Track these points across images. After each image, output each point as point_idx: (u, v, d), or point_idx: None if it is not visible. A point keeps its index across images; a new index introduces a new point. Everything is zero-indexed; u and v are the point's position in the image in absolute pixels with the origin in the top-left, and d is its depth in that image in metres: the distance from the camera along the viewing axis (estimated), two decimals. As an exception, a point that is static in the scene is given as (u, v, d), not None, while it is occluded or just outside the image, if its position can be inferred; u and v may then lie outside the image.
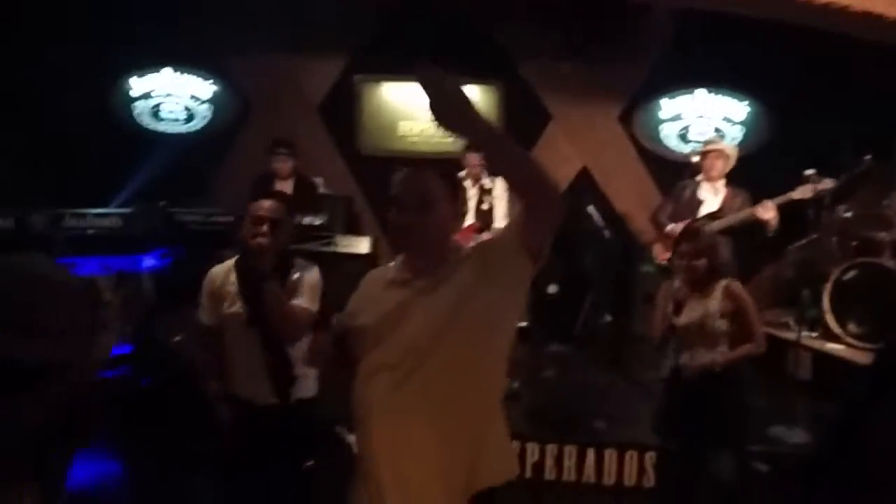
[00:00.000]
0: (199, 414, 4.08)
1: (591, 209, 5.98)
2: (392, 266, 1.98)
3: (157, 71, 6.95)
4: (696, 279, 3.25)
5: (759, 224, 4.74)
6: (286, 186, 5.07)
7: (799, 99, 6.28)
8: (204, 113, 7.03)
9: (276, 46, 6.82)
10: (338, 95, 7.09)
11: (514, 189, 1.78)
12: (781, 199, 4.73)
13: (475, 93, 6.95)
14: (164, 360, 4.36)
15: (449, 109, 1.60)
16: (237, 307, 2.78)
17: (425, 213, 1.85)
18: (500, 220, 5.51)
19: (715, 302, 3.23)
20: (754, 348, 3.20)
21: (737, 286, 3.27)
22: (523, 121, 6.90)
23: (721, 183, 4.99)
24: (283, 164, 5.02)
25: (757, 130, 6.77)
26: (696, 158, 5.11)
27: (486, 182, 5.54)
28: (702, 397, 3.21)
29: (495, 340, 1.86)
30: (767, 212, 4.66)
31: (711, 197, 4.97)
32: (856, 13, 4.38)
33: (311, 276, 2.87)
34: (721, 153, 4.98)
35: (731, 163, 5.02)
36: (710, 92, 6.79)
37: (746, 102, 6.76)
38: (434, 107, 1.59)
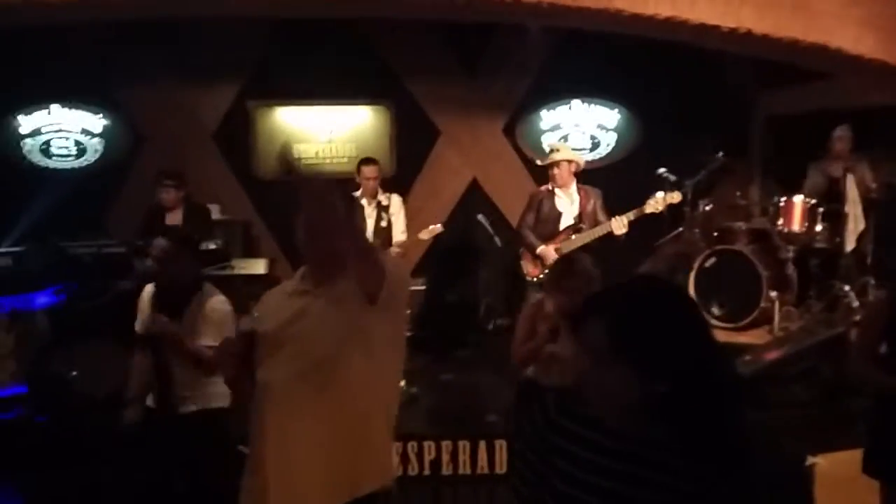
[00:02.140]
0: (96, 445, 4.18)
1: (481, 218, 6.30)
2: (293, 280, 2.18)
3: (46, 108, 6.92)
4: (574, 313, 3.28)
5: (612, 236, 5.07)
6: (176, 216, 5.20)
7: (663, 104, 6.84)
8: (95, 147, 7.01)
9: (167, 76, 6.88)
10: (232, 122, 7.19)
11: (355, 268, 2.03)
12: (633, 214, 5.08)
13: (366, 114, 7.22)
14: (60, 396, 4.39)
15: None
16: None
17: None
18: (398, 235, 5.72)
19: None
20: None
21: None
22: (414, 137, 7.21)
23: (573, 187, 5.28)
24: (170, 195, 5.15)
25: (628, 135, 7.29)
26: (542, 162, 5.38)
27: (383, 199, 5.71)
28: None
29: (378, 353, 2.04)
30: (620, 227, 5.01)
31: (568, 206, 5.27)
32: (694, 25, 4.82)
33: (215, 311, 3.06)
34: (564, 161, 5.24)
35: (578, 166, 5.32)
36: (583, 102, 7.27)
37: (617, 110, 7.27)
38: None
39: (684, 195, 5.45)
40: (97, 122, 7.00)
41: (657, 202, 5.11)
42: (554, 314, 3.25)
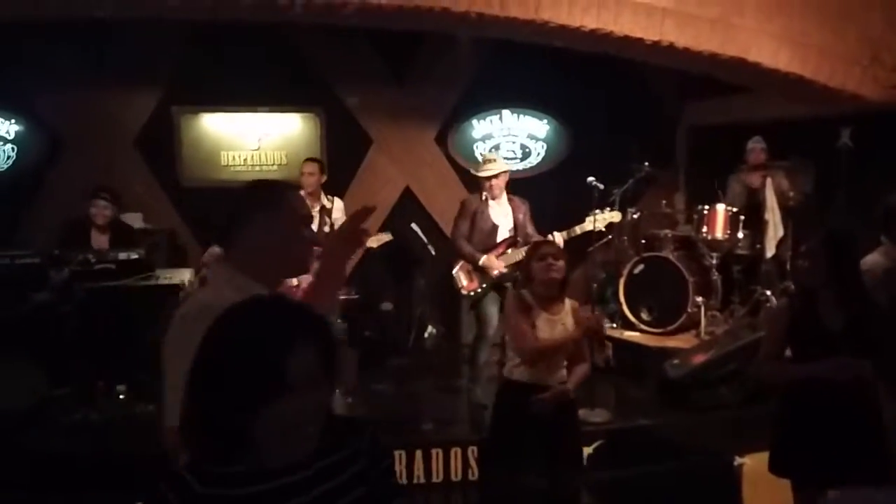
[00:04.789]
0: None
1: (414, 226, 6.26)
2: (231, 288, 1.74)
3: (-46, 114, 6.55)
4: (553, 291, 3.25)
5: None
6: (103, 237, 5.03)
7: (591, 115, 6.99)
8: (8, 153, 6.68)
9: (86, 80, 6.60)
10: (155, 127, 6.96)
11: None
12: (571, 231, 5.18)
13: (296, 121, 7.11)
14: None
15: None
16: None
17: None
18: None
19: (569, 319, 3.27)
20: (588, 368, 3.35)
21: (577, 306, 3.37)
22: (346, 145, 7.13)
23: (504, 198, 5.20)
24: (102, 212, 4.98)
25: (557, 145, 7.41)
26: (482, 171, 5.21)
27: (326, 202, 5.51)
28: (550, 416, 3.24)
29: None
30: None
31: (503, 218, 5.18)
32: (618, 37, 4.94)
33: None
34: (502, 173, 5.13)
35: (508, 175, 5.21)
36: (513, 113, 7.36)
37: (545, 121, 7.39)
38: None
39: (615, 202, 5.57)
40: (9, 129, 6.66)
41: (597, 220, 5.14)
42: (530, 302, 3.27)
